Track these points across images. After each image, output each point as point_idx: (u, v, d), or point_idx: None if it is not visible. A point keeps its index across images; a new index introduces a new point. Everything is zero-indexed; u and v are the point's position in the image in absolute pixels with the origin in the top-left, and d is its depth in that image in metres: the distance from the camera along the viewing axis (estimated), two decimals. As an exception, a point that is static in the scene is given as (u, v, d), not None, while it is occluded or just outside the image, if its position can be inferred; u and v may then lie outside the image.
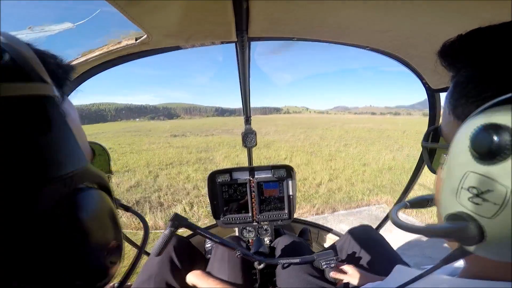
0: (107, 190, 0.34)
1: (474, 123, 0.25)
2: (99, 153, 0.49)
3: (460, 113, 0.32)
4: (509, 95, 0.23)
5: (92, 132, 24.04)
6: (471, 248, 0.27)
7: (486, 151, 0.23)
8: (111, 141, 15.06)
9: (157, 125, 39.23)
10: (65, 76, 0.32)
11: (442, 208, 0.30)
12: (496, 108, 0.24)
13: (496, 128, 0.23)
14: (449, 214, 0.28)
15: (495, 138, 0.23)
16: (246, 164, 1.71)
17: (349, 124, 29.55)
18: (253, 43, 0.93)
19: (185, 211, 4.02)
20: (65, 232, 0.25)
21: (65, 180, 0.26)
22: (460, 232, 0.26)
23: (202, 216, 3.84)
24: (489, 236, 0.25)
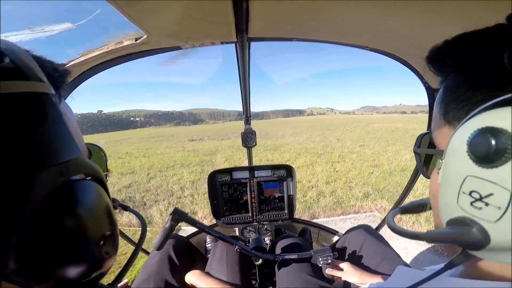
0: (100, 181, 0.35)
1: (471, 126, 0.25)
2: (96, 153, 0.52)
3: (451, 118, 0.31)
4: (504, 97, 0.23)
5: (119, 138, 25.80)
6: (475, 253, 0.27)
7: (485, 154, 0.23)
8: (133, 147, 15.96)
9: (181, 131, 40.90)
10: (61, 79, 0.34)
11: (442, 213, 0.30)
12: (491, 111, 0.24)
13: (494, 131, 0.22)
14: (450, 219, 0.28)
15: (494, 141, 0.22)
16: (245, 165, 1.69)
17: (373, 124, 27.94)
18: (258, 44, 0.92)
19: (160, 211, 3.99)
20: (58, 218, 0.26)
21: (59, 168, 0.27)
22: (463, 237, 0.25)
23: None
24: (494, 240, 0.24)
